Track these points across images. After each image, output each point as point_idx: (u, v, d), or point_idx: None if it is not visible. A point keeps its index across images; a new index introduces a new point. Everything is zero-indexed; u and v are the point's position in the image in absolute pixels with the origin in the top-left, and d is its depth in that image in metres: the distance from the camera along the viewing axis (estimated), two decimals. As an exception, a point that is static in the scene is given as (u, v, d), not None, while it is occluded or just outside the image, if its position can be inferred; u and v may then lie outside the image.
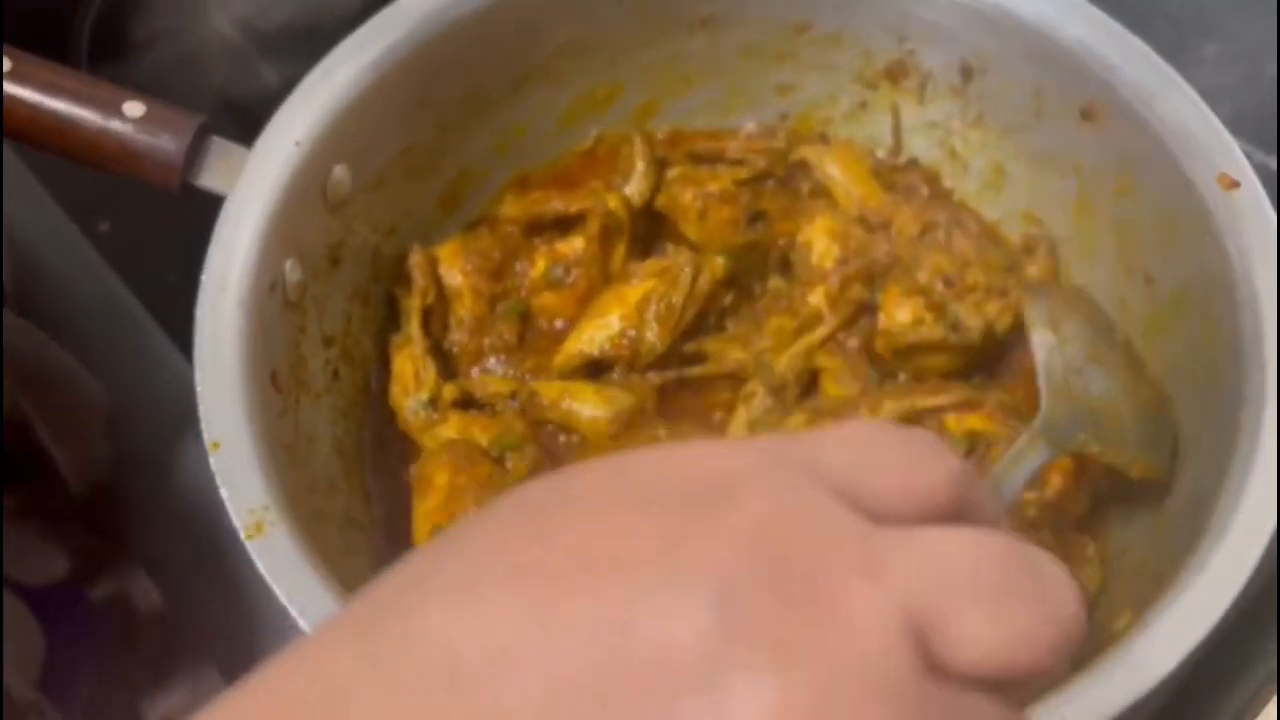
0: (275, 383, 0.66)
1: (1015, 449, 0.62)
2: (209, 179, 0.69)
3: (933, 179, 0.86)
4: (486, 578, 0.28)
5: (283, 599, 0.55)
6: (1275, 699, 0.63)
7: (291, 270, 0.70)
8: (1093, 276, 0.78)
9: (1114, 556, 0.68)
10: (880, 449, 0.30)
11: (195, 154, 0.69)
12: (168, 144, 0.68)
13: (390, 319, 0.79)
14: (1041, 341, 0.69)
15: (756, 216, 0.80)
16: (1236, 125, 0.69)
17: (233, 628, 0.71)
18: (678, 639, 0.26)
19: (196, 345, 0.63)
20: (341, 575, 0.63)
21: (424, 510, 0.69)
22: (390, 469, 0.75)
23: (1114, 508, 0.71)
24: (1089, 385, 0.67)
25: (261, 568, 0.56)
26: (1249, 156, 0.66)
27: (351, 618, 0.31)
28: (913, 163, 0.85)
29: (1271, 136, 0.81)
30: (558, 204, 0.79)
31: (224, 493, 0.58)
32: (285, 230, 0.69)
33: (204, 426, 0.60)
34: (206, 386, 0.61)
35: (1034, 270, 0.79)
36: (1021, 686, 0.29)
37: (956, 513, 0.30)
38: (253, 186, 0.68)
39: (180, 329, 0.79)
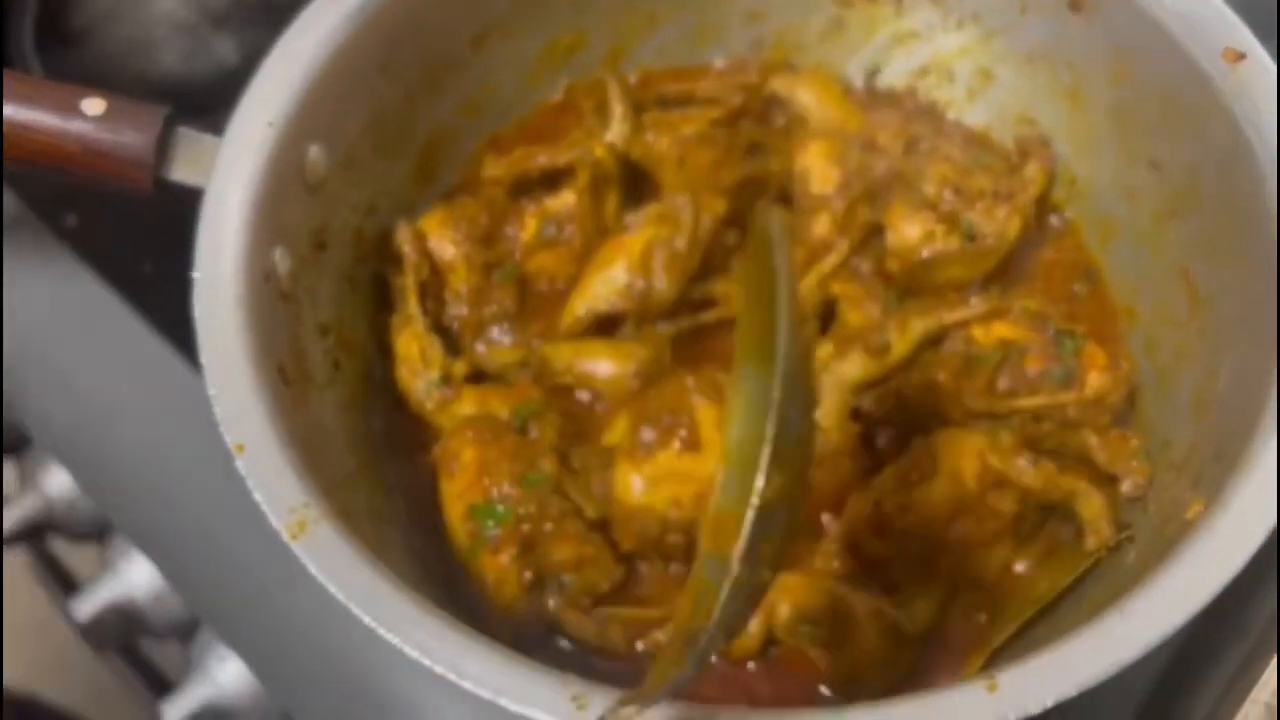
0: (283, 376, 0.63)
1: None
2: (182, 172, 0.65)
3: (910, 94, 0.84)
4: None
5: (342, 597, 0.52)
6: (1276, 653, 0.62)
7: (281, 259, 0.66)
8: (1095, 169, 0.77)
9: (1159, 448, 0.67)
10: None
11: (164, 147, 0.64)
12: (134, 139, 0.63)
13: (381, 302, 0.76)
14: None
15: (753, 148, 0.78)
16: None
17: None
18: None
19: (201, 346, 0.59)
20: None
21: (454, 491, 0.66)
22: (405, 457, 0.71)
23: (1152, 400, 0.70)
24: None
25: (313, 568, 0.52)
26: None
27: None
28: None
29: (1269, 22, 0.79)
30: (543, 159, 0.76)
31: (258, 496, 0.54)
32: (269, 217, 0.65)
33: (223, 430, 0.56)
34: (219, 388, 0.58)
35: (1033, 170, 0.78)
36: None
37: None
38: (230, 175, 0.64)
39: (161, 318, 0.75)
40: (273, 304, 0.64)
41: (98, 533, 0.75)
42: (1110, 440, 0.67)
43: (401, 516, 0.70)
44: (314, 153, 0.69)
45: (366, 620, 0.51)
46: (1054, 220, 0.79)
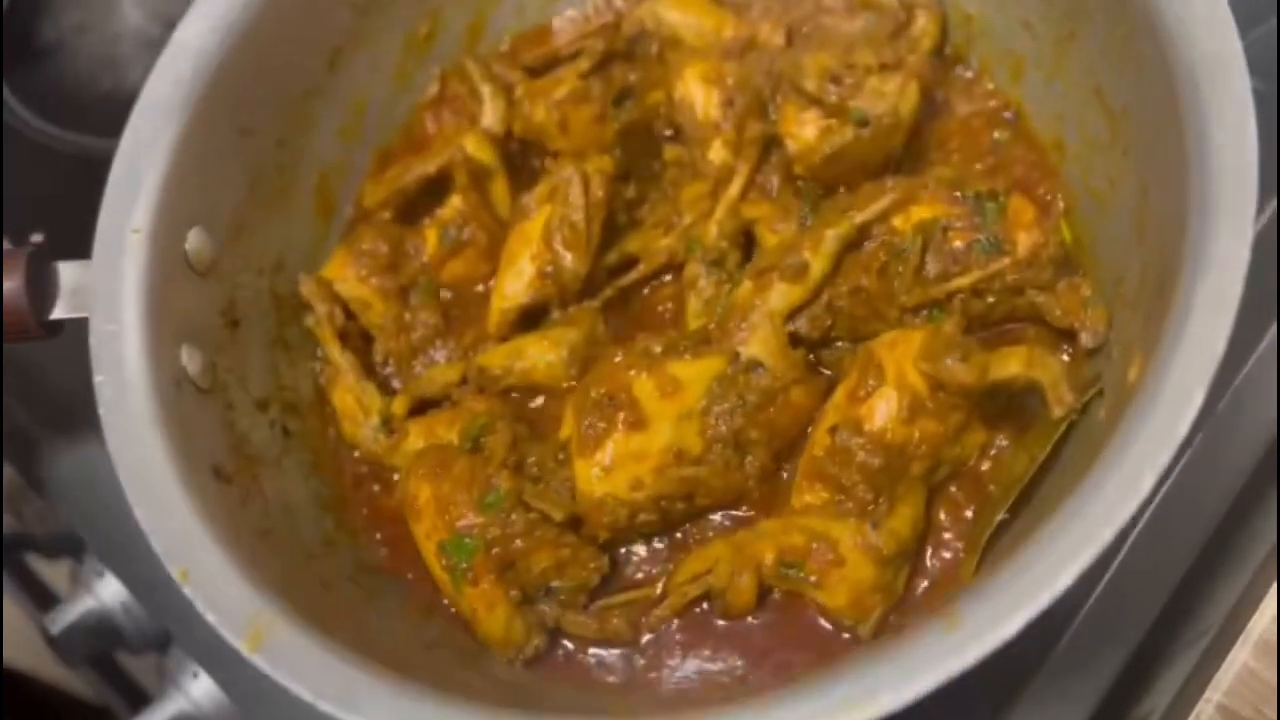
0: (221, 477, 0.63)
1: None
2: (66, 308, 0.65)
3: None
4: None
5: (310, 699, 0.52)
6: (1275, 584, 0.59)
7: (190, 358, 0.66)
8: (985, 7, 0.72)
9: (1112, 285, 0.64)
10: None
11: (39, 287, 0.64)
12: (5, 288, 0.63)
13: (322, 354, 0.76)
14: None
15: (623, 96, 0.74)
16: None
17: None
18: None
19: (122, 479, 0.59)
20: (365, 631, 0.61)
21: (423, 532, 0.65)
22: (379, 504, 0.72)
23: (1098, 232, 0.66)
24: None
25: (278, 676, 0.53)
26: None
27: None
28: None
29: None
30: (416, 170, 0.74)
31: (210, 618, 0.55)
32: (164, 321, 0.65)
33: (164, 560, 0.57)
34: (150, 517, 0.58)
35: (922, 22, 0.73)
36: None
37: None
38: (110, 299, 0.63)
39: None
40: (192, 407, 0.64)
41: (73, 549, 0.77)
42: (1060, 294, 0.64)
43: (394, 562, 0.70)
44: (194, 239, 0.68)
45: (337, 714, 0.51)
46: (963, 72, 0.74)
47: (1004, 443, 0.64)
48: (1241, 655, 0.52)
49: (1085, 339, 0.63)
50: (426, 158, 0.73)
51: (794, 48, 0.74)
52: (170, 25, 0.84)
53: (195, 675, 0.71)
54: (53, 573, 0.85)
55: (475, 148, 0.72)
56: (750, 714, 0.49)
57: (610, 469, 0.64)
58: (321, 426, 0.74)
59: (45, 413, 0.76)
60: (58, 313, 0.64)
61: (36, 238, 0.64)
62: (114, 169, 0.66)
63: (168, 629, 0.71)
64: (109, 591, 0.74)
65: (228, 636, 0.55)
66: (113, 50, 0.87)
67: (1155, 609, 0.61)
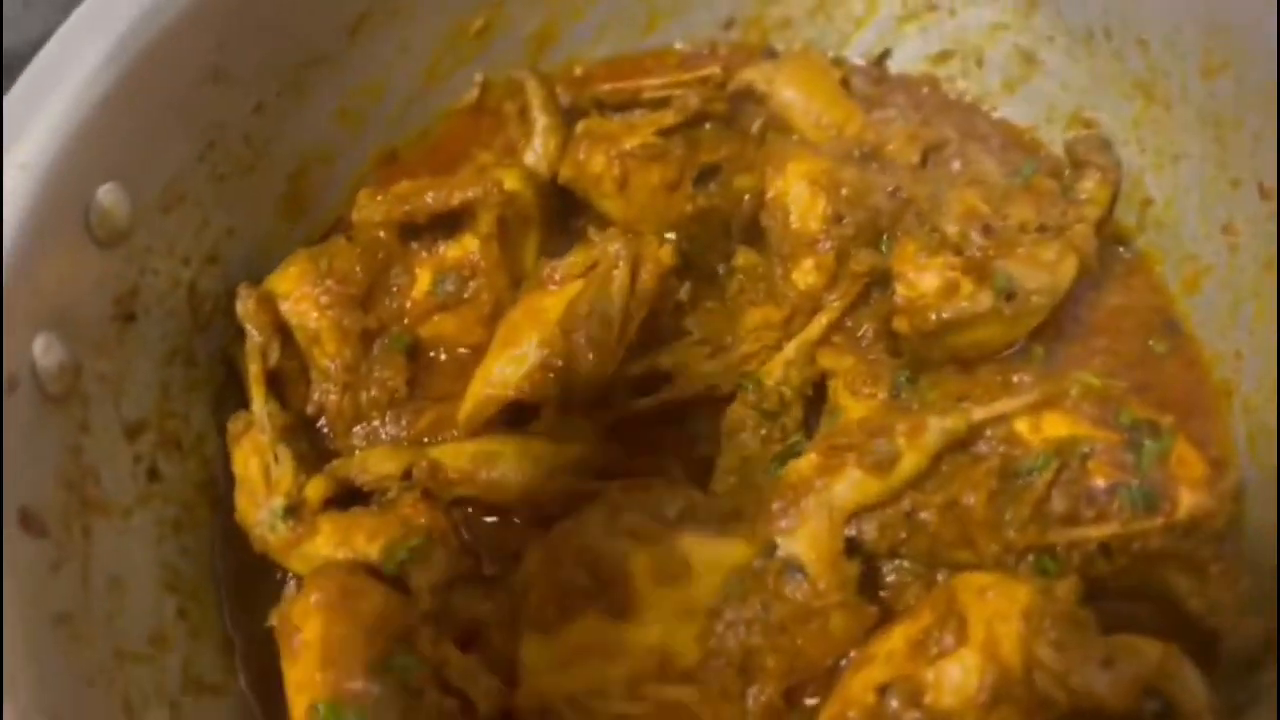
0: (27, 525, 0.44)
1: None
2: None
3: (931, 83, 0.64)
4: None
5: None
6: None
7: (45, 351, 0.47)
8: (1178, 190, 0.57)
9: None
10: None
11: None
12: None
13: (231, 378, 0.58)
14: None
15: (708, 173, 0.58)
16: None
17: None
18: None
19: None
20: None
21: (295, 680, 0.47)
22: (259, 607, 0.53)
23: (1261, 515, 0.50)
24: None
25: None
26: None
27: None
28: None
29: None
30: (431, 197, 0.56)
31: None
32: (28, 296, 0.47)
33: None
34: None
35: (1090, 185, 0.58)
36: None
37: None
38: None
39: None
40: (28, 419, 0.46)
41: None
42: (1211, 580, 0.48)
43: (241, 687, 0.52)
44: (107, 195, 0.50)
45: None
46: (1120, 251, 0.59)
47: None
48: None
49: (1227, 651, 0.47)
50: (449, 184, 0.56)
51: (928, 171, 0.59)
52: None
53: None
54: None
55: (517, 185, 0.55)
56: None
57: (570, 657, 0.46)
58: (204, 474, 0.55)
59: None
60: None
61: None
62: (27, 73, 0.49)
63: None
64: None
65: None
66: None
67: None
